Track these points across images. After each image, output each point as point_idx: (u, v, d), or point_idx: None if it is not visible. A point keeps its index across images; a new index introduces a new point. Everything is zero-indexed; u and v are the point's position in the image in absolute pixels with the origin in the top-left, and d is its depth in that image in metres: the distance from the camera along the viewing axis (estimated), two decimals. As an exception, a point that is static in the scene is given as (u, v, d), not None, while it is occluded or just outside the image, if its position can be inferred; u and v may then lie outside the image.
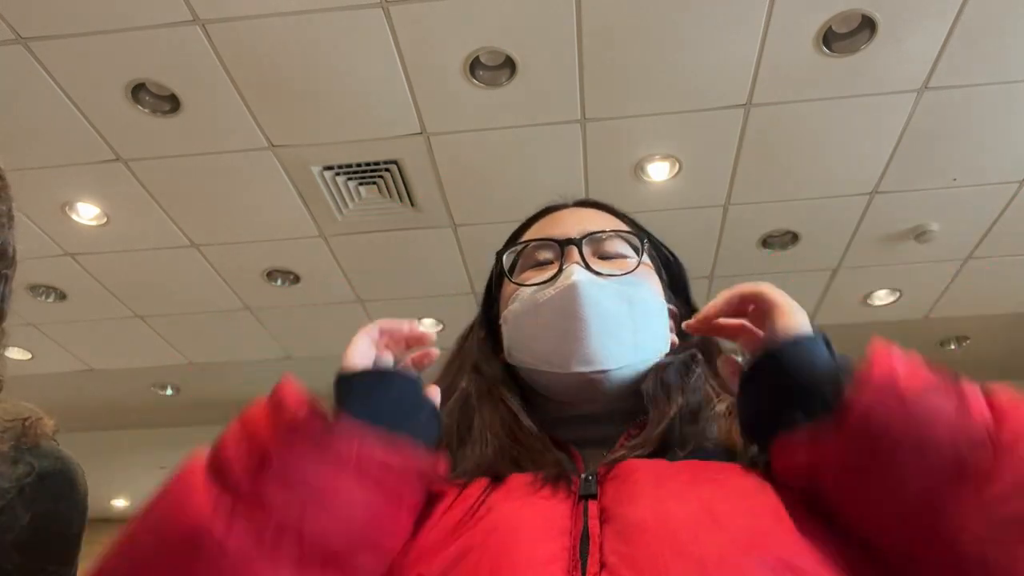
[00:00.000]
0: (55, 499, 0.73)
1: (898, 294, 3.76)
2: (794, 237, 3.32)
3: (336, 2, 2.18)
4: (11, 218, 0.76)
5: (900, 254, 3.42)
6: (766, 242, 3.35)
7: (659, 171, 2.90)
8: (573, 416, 0.77)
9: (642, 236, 0.84)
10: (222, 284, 3.59)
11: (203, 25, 2.24)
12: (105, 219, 3.08)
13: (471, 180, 2.93)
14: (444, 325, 3.98)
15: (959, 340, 4.24)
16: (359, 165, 2.85)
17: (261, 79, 2.43)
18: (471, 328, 0.89)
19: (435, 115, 2.60)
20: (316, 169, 2.86)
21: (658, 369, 0.77)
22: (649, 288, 0.80)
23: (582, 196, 0.91)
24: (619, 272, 0.78)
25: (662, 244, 0.89)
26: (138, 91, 2.47)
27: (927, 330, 4.10)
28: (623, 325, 0.75)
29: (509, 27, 2.28)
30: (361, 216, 3.14)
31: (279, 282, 3.59)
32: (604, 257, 0.80)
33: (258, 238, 3.26)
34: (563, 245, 0.79)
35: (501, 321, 0.83)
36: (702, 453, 0.67)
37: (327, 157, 2.80)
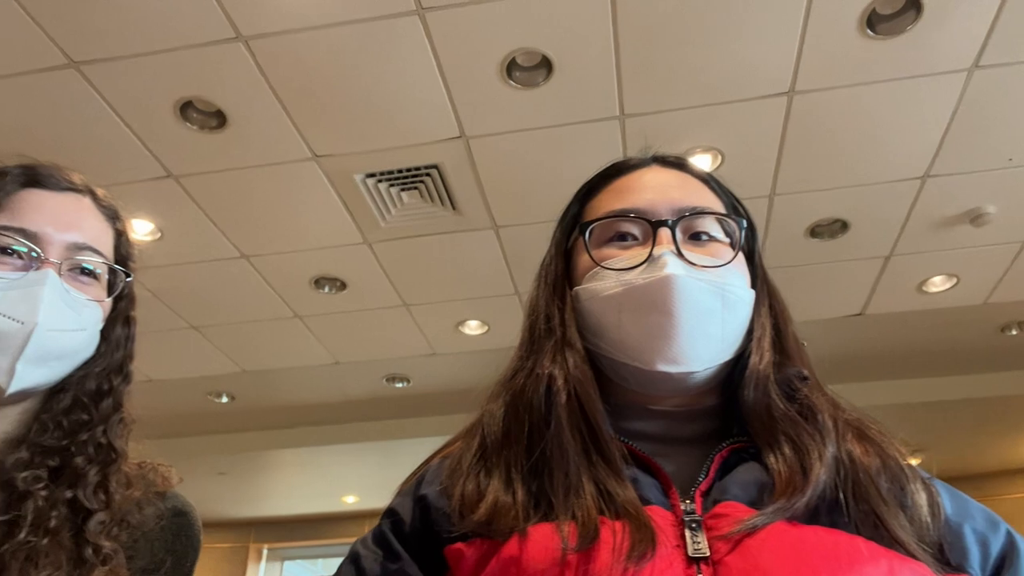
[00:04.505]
0: (176, 536, 0.85)
1: (955, 280, 3.64)
2: (844, 225, 3.24)
3: (373, 12, 2.21)
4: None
5: (956, 239, 3.31)
6: (814, 231, 3.28)
7: (701, 163, 2.86)
8: (650, 411, 0.72)
9: (740, 220, 0.76)
10: (272, 293, 3.67)
11: (246, 42, 2.29)
12: (159, 234, 3.17)
13: (511, 181, 2.94)
14: (489, 327, 4.00)
15: (1020, 325, 4.08)
16: (400, 171, 2.88)
17: (302, 91, 2.48)
18: (545, 288, 0.78)
19: (473, 118, 2.62)
20: (359, 177, 2.90)
21: (757, 386, 0.70)
22: (742, 280, 0.74)
23: (654, 151, 0.82)
24: (714, 264, 0.71)
25: (745, 212, 0.80)
26: (186, 108, 2.54)
27: (987, 316, 3.97)
28: (714, 322, 0.69)
29: (544, 27, 2.27)
30: (404, 221, 3.17)
31: (326, 289, 3.64)
32: (695, 237, 0.73)
33: (305, 247, 3.32)
34: (655, 226, 0.72)
35: (573, 294, 0.75)
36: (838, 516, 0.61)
37: (369, 165, 2.84)
